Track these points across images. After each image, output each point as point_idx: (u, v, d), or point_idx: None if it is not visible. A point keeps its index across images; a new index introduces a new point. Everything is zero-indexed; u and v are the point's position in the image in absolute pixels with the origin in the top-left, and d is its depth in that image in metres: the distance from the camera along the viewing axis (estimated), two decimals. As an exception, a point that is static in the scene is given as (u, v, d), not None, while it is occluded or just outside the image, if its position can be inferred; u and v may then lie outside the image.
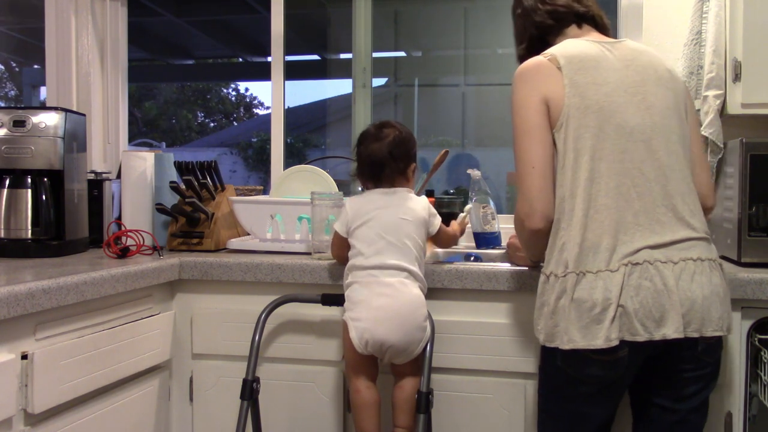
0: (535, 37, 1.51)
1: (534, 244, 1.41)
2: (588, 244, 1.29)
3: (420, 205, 1.60)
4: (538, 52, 1.43)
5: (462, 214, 1.91)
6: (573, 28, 1.48)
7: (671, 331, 1.25)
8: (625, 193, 1.30)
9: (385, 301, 1.50)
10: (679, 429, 1.36)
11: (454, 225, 1.80)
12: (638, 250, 1.27)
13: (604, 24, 1.51)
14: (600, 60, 1.37)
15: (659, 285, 1.26)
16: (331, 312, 1.72)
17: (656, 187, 1.31)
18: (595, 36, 1.46)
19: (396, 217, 1.55)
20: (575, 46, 1.40)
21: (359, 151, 1.64)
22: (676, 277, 1.27)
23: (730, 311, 1.34)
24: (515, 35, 1.60)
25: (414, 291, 1.52)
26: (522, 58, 1.51)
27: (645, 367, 1.35)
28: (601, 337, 1.25)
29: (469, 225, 2.11)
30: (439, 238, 1.69)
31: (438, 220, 1.64)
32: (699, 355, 1.31)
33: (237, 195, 2.22)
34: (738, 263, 1.71)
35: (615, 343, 1.25)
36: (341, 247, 1.62)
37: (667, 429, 1.37)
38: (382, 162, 1.59)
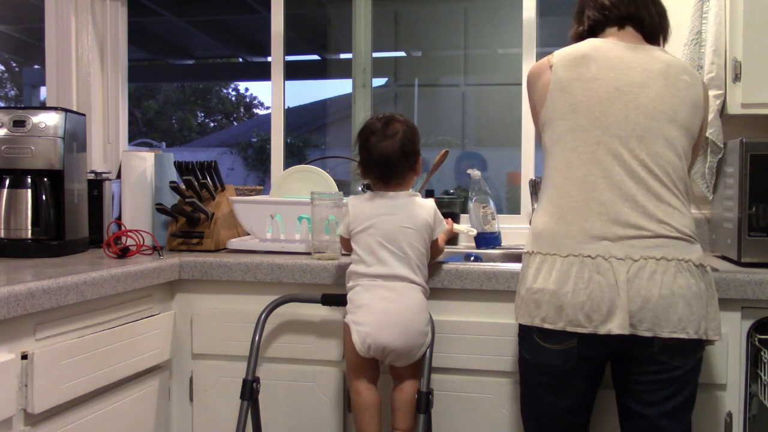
0: (585, 30, 1.50)
1: None
2: (543, 227, 1.35)
3: (425, 210, 1.57)
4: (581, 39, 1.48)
5: (461, 228, 1.88)
6: (614, 29, 1.47)
7: (615, 326, 1.26)
8: (592, 182, 1.32)
9: (387, 305, 1.50)
10: None
11: (450, 223, 1.78)
12: (597, 242, 1.29)
13: (655, 31, 1.48)
14: (600, 59, 1.38)
15: (611, 280, 1.27)
16: (331, 312, 1.72)
17: (629, 182, 1.31)
18: (631, 40, 1.44)
19: (397, 225, 1.53)
20: (581, 46, 1.43)
21: (367, 147, 1.57)
22: (631, 274, 1.27)
23: (708, 315, 1.30)
24: (573, 19, 1.58)
25: (416, 296, 1.52)
26: (572, 38, 1.54)
27: (612, 367, 1.40)
28: (539, 316, 1.31)
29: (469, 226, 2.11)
30: (432, 248, 1.61)
31: (441, 229, 1.60)
32: (656, 356, 1.30)
33: (237, 195, 2.22)
34: (738, 263, 1.71)
35: (548, 325, 1.30)
36: (350, 247, 1.61)
37: None
38: (394, 162, 1.55)
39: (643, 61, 1.39)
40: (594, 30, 1.49)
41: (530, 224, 1.42)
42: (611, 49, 1.40)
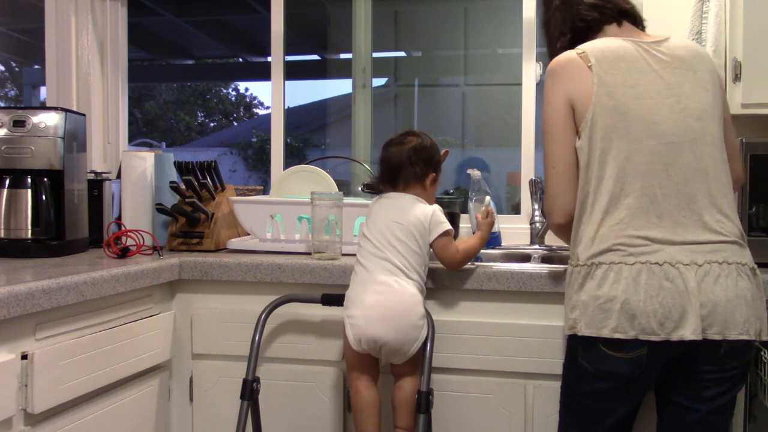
0: (580, 30, 1.48)
1: (560, 235, 1.49)
2: (602, 238, 1.31)
3: (421, 211, 1.58)
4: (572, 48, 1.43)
5: (483, 207, 1.84)
6: (613, 27, 1.46)
7: (689, 332, 1.25)
8: (650, 194, 1.31)
9: (377, 298, 1.50)
10: (698, 429, 1.36)
11: (479, 218, 1.74)
12: (661, 251, 1.28)
13: (642, 23, 1.51)
14: (633, 61, 1.37)
15: (680, 286, 1.26)
16: (331, 312, 1.72)
17: (685, 189, 1.31)
18: (636, 35, 1.45)
19: (389, 220, 1.56)
20: (609, 44, 1.39)
21: (381, 155, 1.66)
22: (698, 279, 1.26)
23: (762, 316, 1.32)
24: (550, 31, 1.56)
25: (409, 290, 1.52)
26: (553, 55, 1.50)
27: (668, 366, 1.35)
28: (608, 326, 1.27)
29: (468, 225, 2.10)
30: (436, 253, 1.60)
31: (437, 231, 1.57)
32: (722, 358, 1.31)
33: (237, 195, 2.22)
34: (738, 263, 1.71)
35: (619, 335, 1.26)
36: None
37: (686, 428, 1.37)
38: (399, 165, 1.61)
39: (667, 58, 1.38)
40: (586, 33, 1.47)
41: (581, 230, 1.36)
42: (637, 51, 1.38)
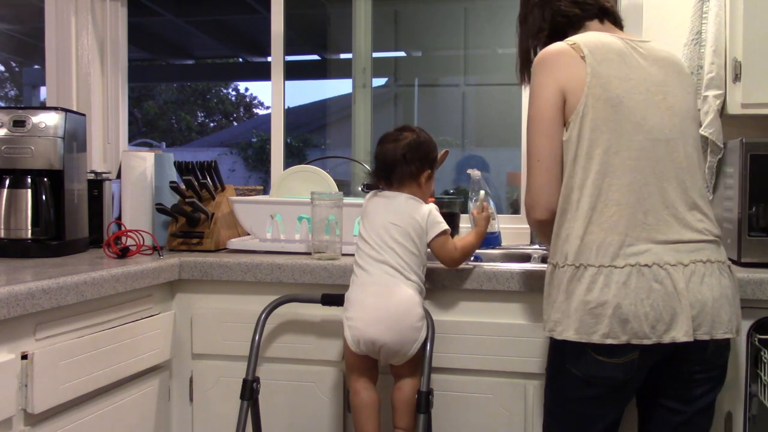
0: (559, 26, 1.47)
1: (540, 233, 1.46)
2: (591, 237, 1.28)
3: (418, 212, 1.57)
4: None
5: (478, 202, 1.83)
6: (595, 23, 1.46)
7: (681, 334, 1.24)
8: (637, 190, 1.29)
9: (376, 300, 1.50)
10: (683, 430, 1.36)
11: (474, 214, 1.74)
12: (647, 251, 1.27)
13: (621, 23, 1.51)
14: (623, 55, 1.35)
15: (669, 288, 1.25)
16: (331, 312, 1.72)
17: (669, 187, 1.30)
18: (619, 33, 1.45)
19: (385, 220, 1.55)
20: (600, 37, 1.38)
21: (376, 151, 1.65)
22: (686, 279, 1.26)
23: (739, 313, 1.33)
24: (527, 27, 1.54)
25: (407, 291, 1.52)
26: (529, 51, 1.49)
27: (654, 369, 1.34)
28: (599, 332, 1.25)
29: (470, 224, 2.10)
30: (435, 252, 1.60)
31: (435, 231, 1.57)
32: (708, 357, 1.31)
33: (237, 195, 2.22)
34: (738, 263, 1.71)
35: (611, 341, 1.25)
36: None
37: (672, 430, 1.37)
38: (393, 163, 1.59)
39: (653, 58, 1.38)
40: (566, 28, 1.46)
41: (564, 227, 1.32)
42: (625, 46, 1.37)
